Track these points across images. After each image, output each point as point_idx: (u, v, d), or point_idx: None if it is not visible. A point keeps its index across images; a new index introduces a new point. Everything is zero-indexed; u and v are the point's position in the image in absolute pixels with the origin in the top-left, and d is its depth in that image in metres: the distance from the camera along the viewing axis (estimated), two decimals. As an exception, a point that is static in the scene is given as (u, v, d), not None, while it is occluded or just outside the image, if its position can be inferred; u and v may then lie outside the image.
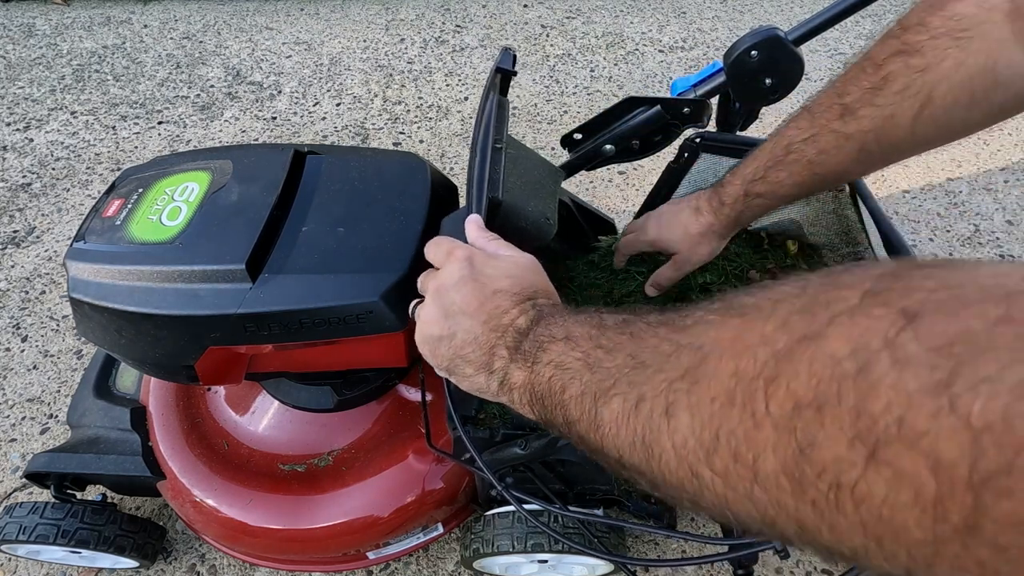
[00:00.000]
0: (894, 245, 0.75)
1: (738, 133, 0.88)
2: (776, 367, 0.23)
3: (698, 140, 0.86)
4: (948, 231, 1.57)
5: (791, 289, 0.25)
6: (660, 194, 0.95)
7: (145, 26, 2.39)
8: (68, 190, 1.72)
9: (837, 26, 0.77)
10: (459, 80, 2.07)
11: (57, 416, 1.24)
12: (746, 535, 0.70)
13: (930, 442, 0.17)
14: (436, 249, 0.50)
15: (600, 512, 0.86)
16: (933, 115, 0.48)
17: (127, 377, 1.02)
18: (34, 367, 1.32)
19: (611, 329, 0.35)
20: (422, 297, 0.50)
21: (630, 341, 0.33)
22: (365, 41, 2.27)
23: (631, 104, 0.80)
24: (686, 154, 0.88)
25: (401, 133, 1.87)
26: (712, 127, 0.84)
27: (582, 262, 0.93)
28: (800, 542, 0.23)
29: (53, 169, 1.79)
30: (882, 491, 0.19)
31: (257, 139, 1.88)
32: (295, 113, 1.96)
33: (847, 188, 0.85)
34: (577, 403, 0.34)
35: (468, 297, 0.44)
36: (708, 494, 0.26)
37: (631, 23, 2.31)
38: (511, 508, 0.84)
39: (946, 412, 0.17)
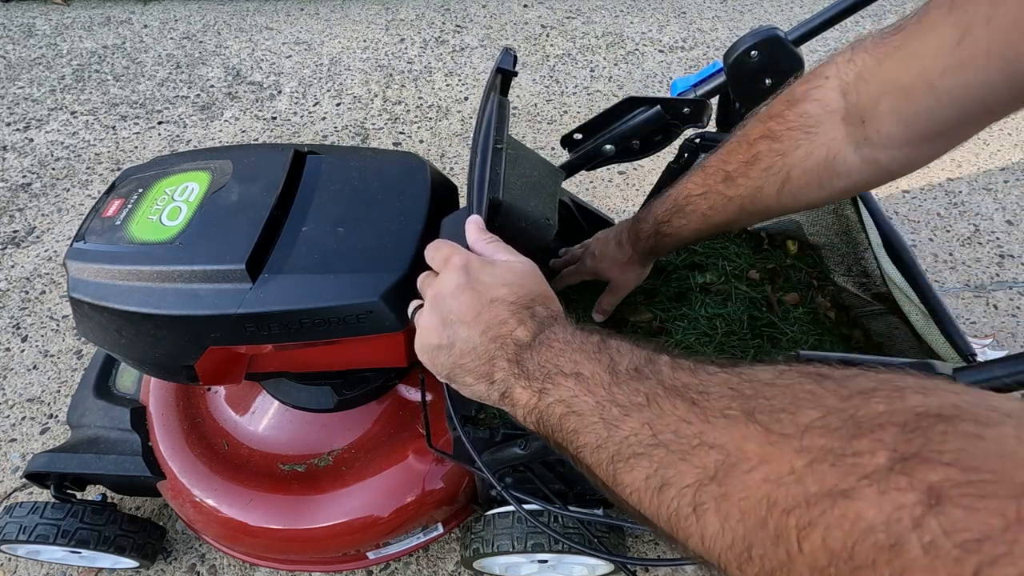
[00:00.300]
0: (894, 246, 0.75)
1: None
2: (809, 514, 0.24)
3: (698, 140, 0.86)
4: (948, 231, 1.57)
5: (814, 411, 0.27)
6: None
7: (145, 26, 2.39)
8: (68, 190, 1.72)
9: (837, 26, 0.77)
10: (459, 80, 2.07)
11: (57, 416, 1.24)
12: None
13: None
14: (435, 253, 0.50)
15: (600, 512, 0.86)
16: (792, 191, 0.57)
17: (127, 377, 1.02)
18: (34, 367, 1.32)
19: (624, 381, 0.36)
20: (422, 299, 0.50)
21: (647, 407, 0.33)
22: (365, 41, 2.27)
23: (631, 104, 0.80)
24: (686, 154, 0.88)
25: (401, 133, 1.87)
26: (712, 127, 0.84)
27: None
28: None
29: (53, 169, 1.79)
30: None
31: (257, 139, 1.88)
32: (295, 113, 1.96)
33: None
34: (592, 454, 0.35)
35: (465, 306, 0.44)
36: None
37: (631, 23, 2.31)
38: (511, 508, 0.84)
39: None
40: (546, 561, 0.87)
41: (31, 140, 1.89)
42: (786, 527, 0.25)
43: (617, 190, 1.68)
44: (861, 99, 0.50)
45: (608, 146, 0.83)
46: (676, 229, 0.69)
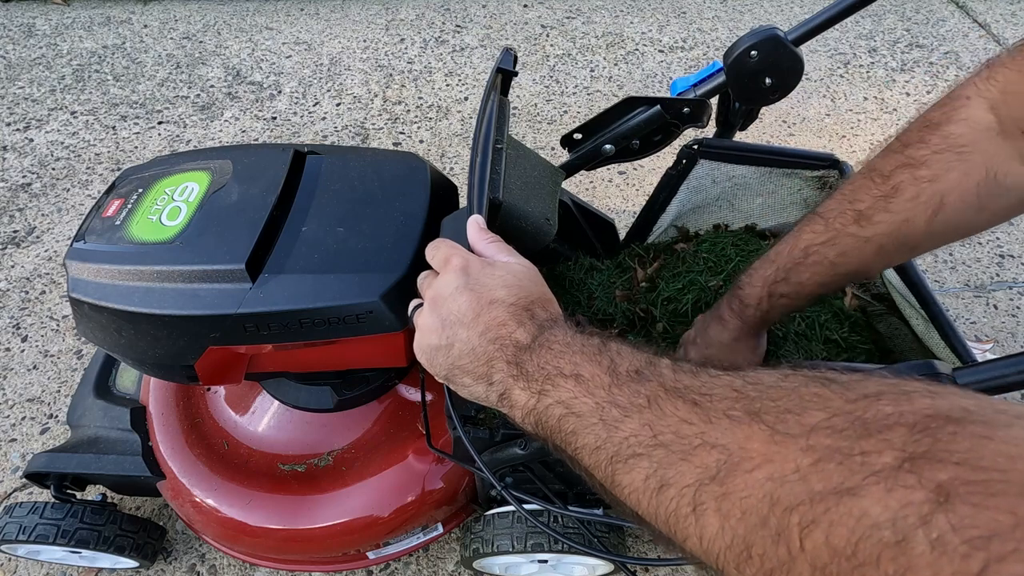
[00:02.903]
0: None
1: (737, 135, 0.88)
2: (812, 511, 0.24)
3: (696, 147, 0.86)
4: (948, 231, 1.57)
5: (820, 412, 0.26)
6: (658, 200, 0.95)
7: (145, 26, 2.39)
8: (68, 190, 1.72)
9: (837, 26, 0.77)
10: (459, 80, 2.07)
11: (57, 416, 1.24)
12: None
13: None
14: (435, 253, 0.50)
15: (600, 512, 0.85)
16: (945, 218, 0.53)
17: (127, 377, 1.02)
18: (34, 367, 1.32)
19: (625, 383, 0.35)
20: (421, 299, 0.50)
21: (648, 408, 0.33)
22: (365, 41, 2.27)
23: (631, 104, 0.80)
24: (684, 160, 0.88)
25: (401, 133, 1.87)
26: (712, 127, 0.84)
27: (583, 268, 0.92)
28: None
29: (53, 169, 1.79)
30: None
31: (257, 139, 1.88)
32: (295, 113, 1.96)
33: None
34: (591, 455, 0.35)
35: (464, 307, 0.44)
36: None
37: (631, 23, 2.31)
38: (511, 508, 0.84)
39: None
40: (546, 561, 0.87)
41: (31, 140, 1.89)
42: (788, 525, 0.25)
43: (617, 190, 1.68)
44: (1014, 111, 0.49)
45: (608, 146, 0.83)
46: (795, 287, 0.63)
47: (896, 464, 0.23)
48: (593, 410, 0.35)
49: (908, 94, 1.95)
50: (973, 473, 0.21)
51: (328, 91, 2.04)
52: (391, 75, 2.10)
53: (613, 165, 0.88)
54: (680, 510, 0.30)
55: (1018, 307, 1.41)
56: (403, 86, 2.05)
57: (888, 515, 0.22)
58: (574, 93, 2.00)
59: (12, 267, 1.52)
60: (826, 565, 0.23)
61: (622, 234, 1.03)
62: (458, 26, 2.33)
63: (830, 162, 0.86)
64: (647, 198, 0.97)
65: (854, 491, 0.23)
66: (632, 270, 0.91)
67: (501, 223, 0.59)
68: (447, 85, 2.05)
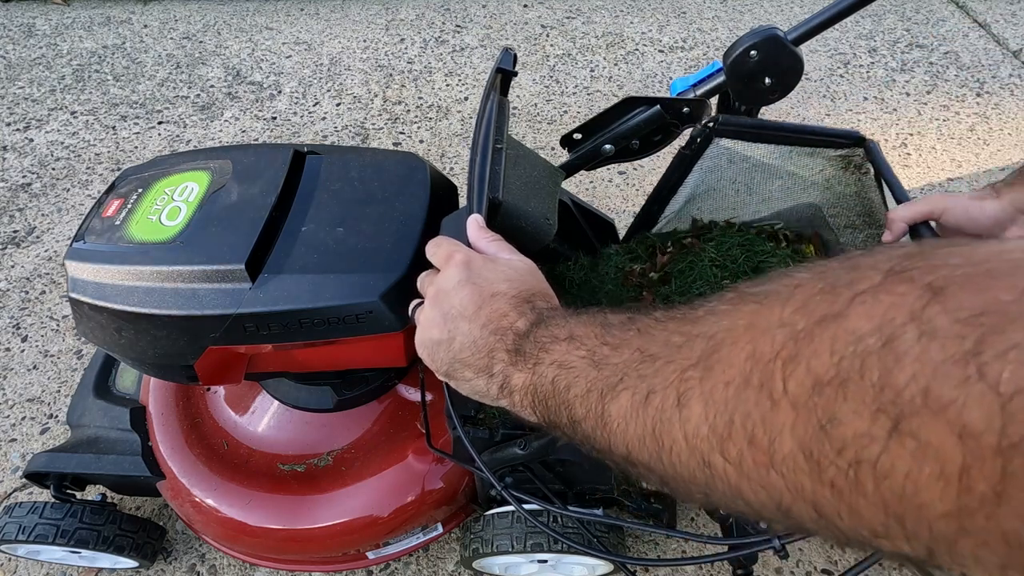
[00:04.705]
0: (918, 229, 0.71)
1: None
2: (796, 347, 0.22)
3: (712, 124, 0.81)
4: (948, 231, 1.57)
5: (810, 275, 0.25)
6: (670, 181, 0.90)
7: (145, 26, 2.39)
8: (68, 190, 1.72)
9: (837, 26, 0.77)
10: (459, 80, 2.07)
11: (57, 416, 1.23)
12: (756, 525, 0.70)
13: (956, 411, 0.17)
14: (436, 250, 0.51)
15: (600, 512, 0.85)
16: None
17: (127, 377, 1.02)
18: (34, 367, 1.32)
19: (616, 327, 0.35)
20: (422, 298, 0.50)
21: (637, 336, 0.33)
22: (365, 41, 2.27)
23: (630, 104, 0.80)
24: (698, 139, 0.83)
25: (401, 133, 1.87)
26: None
27: (584, 266, 0.92)
28: (815, 527, 0.23)
29: (53, 169, 1.79)
30: (905, 465, 0.19)
31: (257, 139, 1.88)
32: (295, 113, 1.96)
33: (871, 171, 0.81)
34: (583, 401, 0.34)
35: (466, 301, 0.44)
36: (720, 485, 0.26)
37: (631, 23, 2.31)
38: (511, 508, 0.84)
39: (974, 380, 0.17)
40: (546, 561, 0.87)
41: (31, 140, 1.89)
42: (771, 372, 0.23)
43: (617, 190, 1.68)
44: None
45: (608, 146, 0.83)
46: None
47: (884, 279, 0.21)
48: (585, 357, 0.35)
49: (908, 94, 1.95)
50: (970, 266, 0.19)
51: (328, 91, 2.04)
52: (391, 75, 2.10)
53: (613, 165, 0.88)
54: (664, 412, 0.28)
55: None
56: (403, 86, 2.05)
57: (874, 324, 0.20)
58: (574, 93, 2.00)
59: (12, 267, 1.52)
60: (807, 400, 0.21)
61: (622, 233, 1.03)
62: (458, 26, 2.33)
63: (855, 139, 0.80)
64: (647, 197, 0.95)
65: (839, 315, 0.21)
66: (644, 259, 0.89)
67: (501, 223, 0.59)
68: (447, 85, 2.05)
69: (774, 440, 0.23)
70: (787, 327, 0.23)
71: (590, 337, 0.36)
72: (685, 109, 0.79)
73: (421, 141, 1.84)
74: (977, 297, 0.18)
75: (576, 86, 2.03)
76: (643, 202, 0.97)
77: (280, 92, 2.05)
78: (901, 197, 0.74)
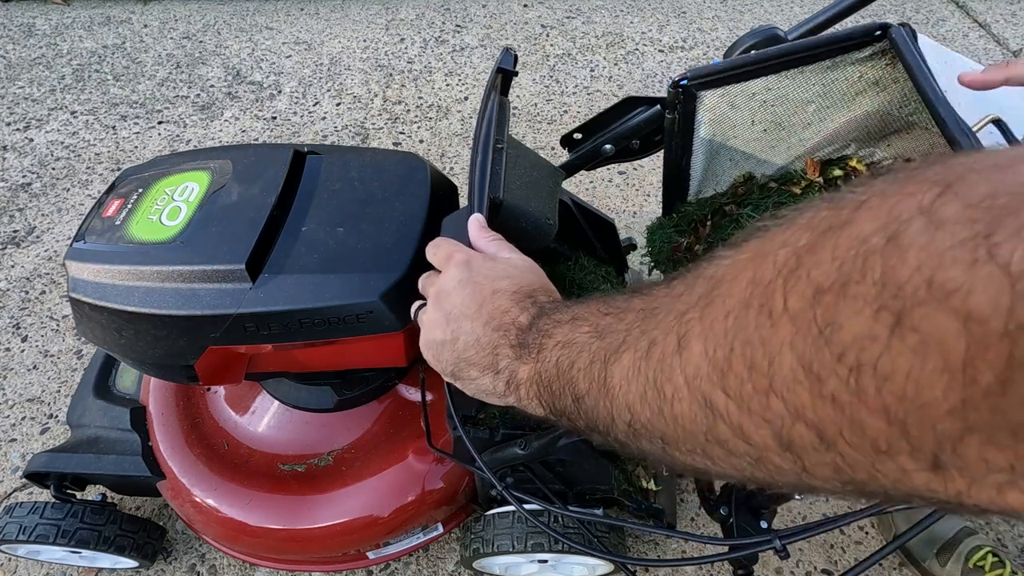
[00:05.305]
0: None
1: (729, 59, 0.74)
2: (797, 261, 0.21)
3: (684, 82, 0.72)
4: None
5: (820, 200, 0.23)
6: (675, 154, 0.81)
7: (145, 26, 2.39)
8: (68, 190, 1.72)
9: (837, 25, 0.77)
10: (459, 80, 2.07)
11: (57, 416, 1.23)
12: (757, 525, 0.70)
13: (962, 297, 0.16)
14: (436, 251, 0.50)
15: (600, 512, 0.85)
16: None
17: (127, 377, 1.02)
18: (34, 367, 1.32)
19: (619, 299, 0.35)
20: (423, 299, 0.50)
21: (640, 299, 0.32)
22: (365, 41, 2.27)
23: (631, 104, 0.80)
24: (677, 105, 0.74)
25: (401, 133, 1.87)
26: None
27: (585, 265, 0.92)
28: (817, 464, 0.22)
29: (53, 169, 1.79)
30: (907, 364, 0.18)
31: (257, 139, 1.88)
32: (295, 113, 1.96)
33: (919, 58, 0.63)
34: (586, 374, 0.33)
35: (468, 300, 0.44)
36: (722, 427, 0.25)
37: (631, 23, 2.31)
38: (511, 508, 0.84)
39: (983, 262, 0.16)
40: (546, 561, 0.87)
41: (31, 140, 1.89)
42: (771, 292, 0.22)
43: (617, 190, 1.67)
44: None
45: (608, 146, 0.83)
46: None
47: (892, 184, 0.20)
48: (588, 332, 0.35)
49: (908, 94, 1.95)
50: (988, 160, 0.18)
51: (328, 91, 2.04)
52: (391, 75, 2.10)
53: (613, 165, 0.88)
54: (665, 359, 0.27)
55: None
56: (403, 86, 2.05)
57: (879, 223, 0.19)
58: (574, 93, 2.00)
59: (12, 267, 1.52)
60: (806, 310, 0.20)
61: (624, 232, 1.03)
62: (458, 26, 2.33)
63: (876, 30, 0.66)
64: (647, 197, 0.95)
65: (844, 223, 0.20)
66: (689, 232, 0.85)
67: (501, 222, 0.59)
68: (447, 85, 2.05)
69: (774, 360, 0.22)
70: (789, 246, 0.22)
71: (592, 313, 0.36)
72: (685, 109, 0.78)
73: (421, 141, 1.84)
74: (992, 183, 0.17)
75: (576, 86, 2.03)
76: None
77: (280, 92, 2.05)
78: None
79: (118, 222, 0.67)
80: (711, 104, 0.76)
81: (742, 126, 0.78)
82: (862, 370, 0.19)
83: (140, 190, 0.70)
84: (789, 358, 0.21)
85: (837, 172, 0.77)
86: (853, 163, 0.76)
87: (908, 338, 0.17)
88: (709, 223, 0.83)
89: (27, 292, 1.46)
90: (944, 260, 0.17)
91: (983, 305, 0.16)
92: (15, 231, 1.61)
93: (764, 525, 0.71)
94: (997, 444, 0.17)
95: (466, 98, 1.99)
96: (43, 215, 1.65)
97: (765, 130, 0.78)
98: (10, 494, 1.13)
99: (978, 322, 0.16)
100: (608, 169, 1.71)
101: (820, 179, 0.78)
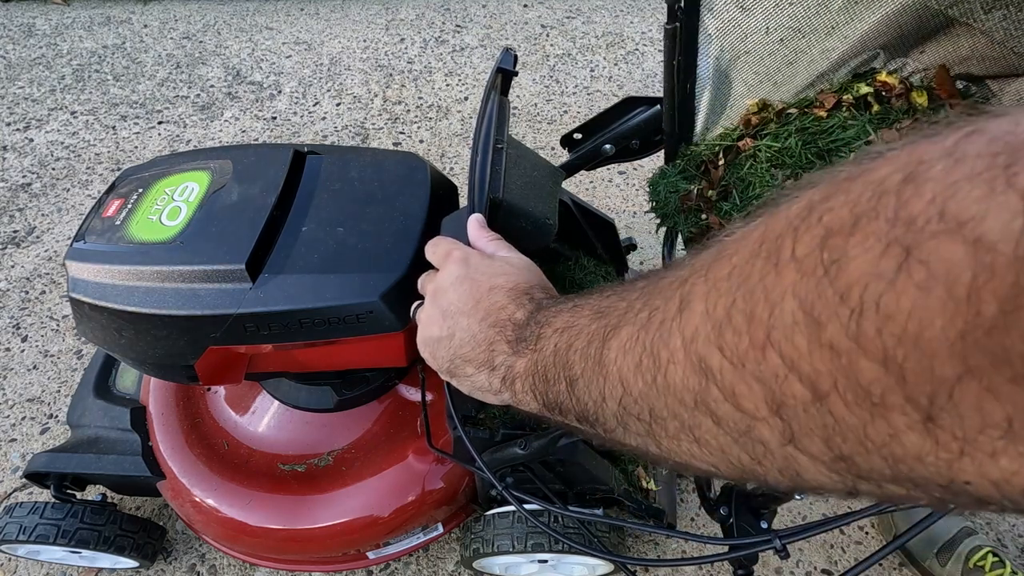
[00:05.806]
0: None
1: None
2: (809, 210, 0.20)
3: (681, 2, 0.65)
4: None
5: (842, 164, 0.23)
6: (679, 86, 0.74)
7: (145, 26, 2.39)
8: (68, 190, 1.72)
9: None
10: (459, 80, 2.07)
11: (57, 416, 1.24)
12: (757, 525, 0.70)
13: (975, 225, 0.16)
14: (435, 250, 0.51)
15: (600, 512, 0.86)
16: None
17: (127, 377, 1.02)
18: (34, 367, 1.32)
19: (624, 283, 0.34)
20: (423, 299, 0.50)
21: (642, 279, 0.32)
22: (365, 41, 2.27)
23: (631, 104, 0.80)
24: (679, 26, 0.67)
25: (401, 133, 1.87)
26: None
27: (585, 265, 0.92)
28: (807, 429, 0.21)
29: (53, 169, 1.79)
30: (910, 301, 0.17)
31: (257, 139, 1.88)
32: (295, 113, 1.96)
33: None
34: (583, 354, 0.33)
35: (465, 296, 0.44)
36: (714, 391, 0.24)
37: (631, 23, 2.31)
38: (511, 508, 0.84)
39: (1000, 190, 0.15)
40: (546, 561, 0.87)
41: (31, 140, 1.89)
42: (780, 243, 0.21)
43: (617, 190, 1.67)
44: None
45: (608, 146, 0.83)
46: None
47: (924, 135, 0.19)
48: (589, 315, 0.34)
49: (908, 94, 1.95)
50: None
51: (328, 91, 2.04)
52: (391, 75, 2.10)
53: (613, 165, 0.88)
54: (665, 324, 0.26)
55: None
56: (403, 86, 2.05)
57: (898, 165, 0.18)
58: (574, 93, 2.00)
59: (12, 267, 1.52)
60: (813, 253, 0.19)
61: (624, 232, 1.03)
62: (458, 26, 2.33)
63: None
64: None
65: (864, 171, 0.19)
66: (698, 177, 0.78)
67: (501, 222, 0.59)
68: (447, 85, 2.05)
69: (775, 308, 0.21)
70: (804, 200, 0.21)
71: (594, 297, 0.35)
72: (685, 109, 0.78)
73: (421, 141, 1.84)
74: (1019, 118, 0.16)
75: (576, 86, 2.03)
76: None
77: (280, 92, 2.05)
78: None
79: (118, 222, 0.67)
80: (719, 6, 0.67)
81: (755, 36, 0.69)
82: (864, 310, 0.18)
83: (140, 190, 0.70)
84: (791, 304, 0.20)
85: (865, 89, 0.69)
86: (883, 77, 0.68)
87: (915, 273, 0.17)
88: (722, 163, 0.75)
89: (27, 292, 1.46)
90: (959, 191, 0.16)
91: (994, 230, 0.15)
92: (15, 231, 1.61)
93: (764, 525, 0.71)
94: (995, 392, 0.16)
95: (466, 98, 1.99)
96: (43, 215, 1.65)
97: (782, 39, 0.68)
98: (10, 494, 1.13)
99: (987, 248, 0.15)
100: (608, 169, 1.71)
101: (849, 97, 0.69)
